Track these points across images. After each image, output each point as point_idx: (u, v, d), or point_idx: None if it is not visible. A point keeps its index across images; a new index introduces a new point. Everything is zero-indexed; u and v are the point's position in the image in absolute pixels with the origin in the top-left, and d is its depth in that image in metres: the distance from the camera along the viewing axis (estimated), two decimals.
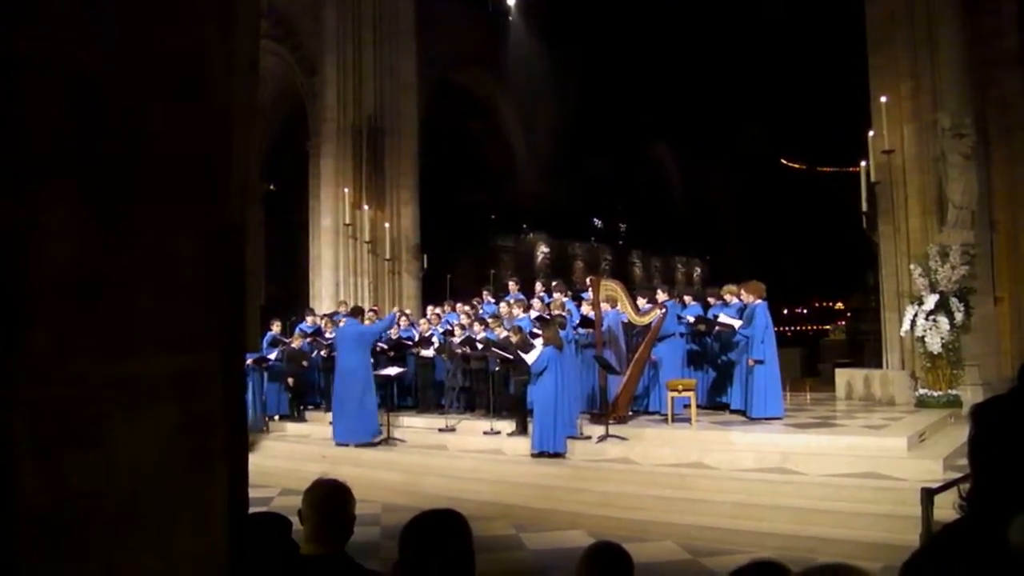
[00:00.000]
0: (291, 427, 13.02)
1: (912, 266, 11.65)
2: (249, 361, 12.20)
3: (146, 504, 1.08)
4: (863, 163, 12.22)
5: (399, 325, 13.06)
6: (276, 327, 13.80)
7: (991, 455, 1.51)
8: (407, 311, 14.58)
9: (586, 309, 11.14)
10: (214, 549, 1.19)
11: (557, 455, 9.54)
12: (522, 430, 10.24)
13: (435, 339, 12.22)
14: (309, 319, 14.01)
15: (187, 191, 1.26)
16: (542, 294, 12.51)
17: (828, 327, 24.25)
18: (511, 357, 10.40)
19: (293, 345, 13.30)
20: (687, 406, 10.12)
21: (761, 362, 10.11)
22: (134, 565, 1.08)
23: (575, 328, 10.82)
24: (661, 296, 11.55)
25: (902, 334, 11.80)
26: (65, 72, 1.09)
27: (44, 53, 1.08)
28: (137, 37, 1.20)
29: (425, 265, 16.90)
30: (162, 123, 1.23)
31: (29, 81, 1.06)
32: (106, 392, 1.04)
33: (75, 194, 1.06)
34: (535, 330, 10.52)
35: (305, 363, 13.36)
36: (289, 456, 11.38)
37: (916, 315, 11.37)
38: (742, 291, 10.85)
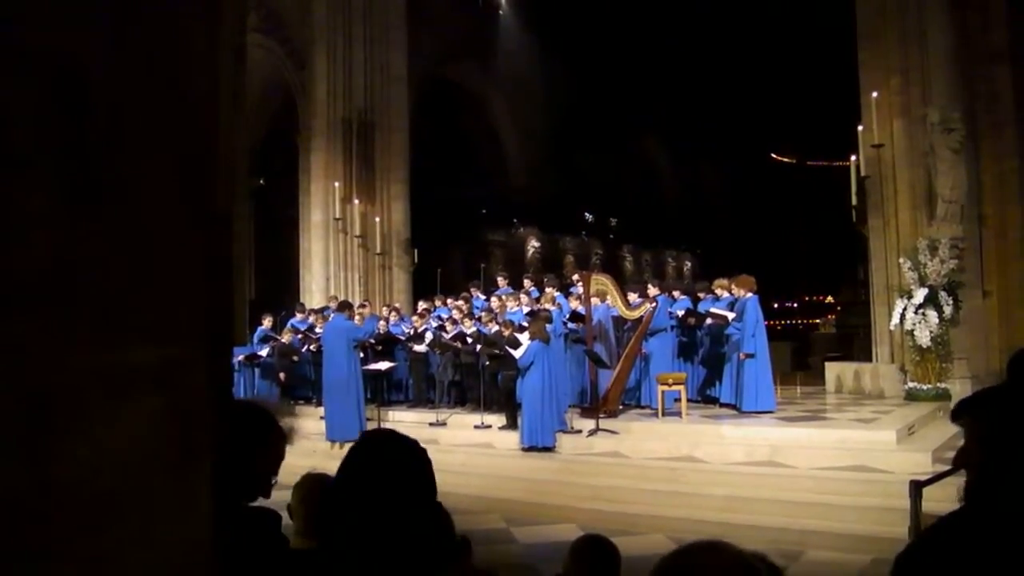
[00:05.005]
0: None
1: (901, 260, 11.70)
2: (240, 358, 12.18)
3: (129, 496, 1.07)
4: (853, 157, 12.27)
5: (388, 320, 13.04)
6: (267, 322, 13.77)
7: (988, 448, 1.51)
8: (396, 305, 14.56)
9: (575, 303, 11.14)
10: (199, 543, 1.18)
11: (546, 449, 9.54)
12: (512, 424, 10.24)
13: (428, 334, 12.21)
14: (299, 314, 13.97)
15: (171, 182, 1.25)
16: (531, 289, 12.48)
17: (818, 321, 24.39)
18: (499, 352, 10.39)
19: (283, 340, 13.27)
20: (677, 400, 10.13)
21: (752, 356, 10.13)
22: (118, 558, 1.07)
23: (565, 322, 10.81)
24: (652, 290, 11.55)
25: (891, 328, 11.86)
26: (45, 59, 1.07)
27: (24, 39, 1.06)
28: (121, 25, 1.18)
29: (416, 259, 16.88)
30: (146, 112, 1.21)
31: (8, 68, 1.05)
32: (87, 382, 1.03)
33: (55, 183, 1.05)
34: (524, 324, 10.50)
35: (296, 358, 13.35)
36: None
37: (905, 309, 11.43)
38: (733, 285, 10.87)
